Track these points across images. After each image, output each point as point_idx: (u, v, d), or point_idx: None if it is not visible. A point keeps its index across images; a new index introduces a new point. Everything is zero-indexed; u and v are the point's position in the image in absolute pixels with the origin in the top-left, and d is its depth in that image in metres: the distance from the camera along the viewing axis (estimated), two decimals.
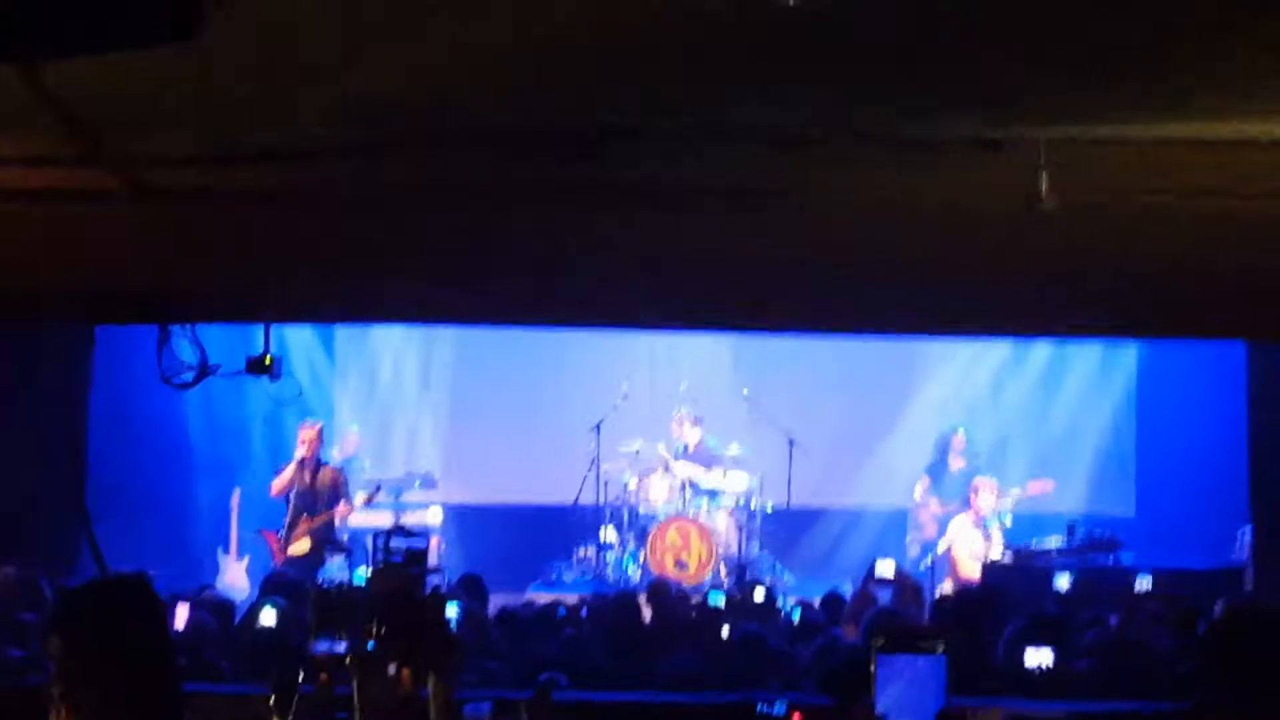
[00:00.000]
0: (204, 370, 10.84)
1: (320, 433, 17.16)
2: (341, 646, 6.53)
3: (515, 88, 6.19)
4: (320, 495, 16.77)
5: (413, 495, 19.02)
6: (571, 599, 13.14)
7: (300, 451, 16.84)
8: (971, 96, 6.19)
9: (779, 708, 7.26)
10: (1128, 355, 20.06)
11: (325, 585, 6.82)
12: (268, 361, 11.58)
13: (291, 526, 16.62)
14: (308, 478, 16.79)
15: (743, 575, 16.74)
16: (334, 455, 18.15)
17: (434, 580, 6.76)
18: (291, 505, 16.74)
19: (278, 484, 16.88)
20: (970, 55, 5.61)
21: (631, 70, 5.98)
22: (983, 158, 6.77)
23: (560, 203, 8.06)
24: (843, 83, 6.04)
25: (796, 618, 12.52)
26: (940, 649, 6.32)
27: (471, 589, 12.01)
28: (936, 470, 19.13)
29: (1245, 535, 15.69)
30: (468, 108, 6.50)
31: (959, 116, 6.50)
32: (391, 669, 6.26)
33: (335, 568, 15.62)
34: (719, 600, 13.05)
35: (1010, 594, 12.88)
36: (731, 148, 6.94)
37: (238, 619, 10.99)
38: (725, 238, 8.57)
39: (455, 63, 5.84)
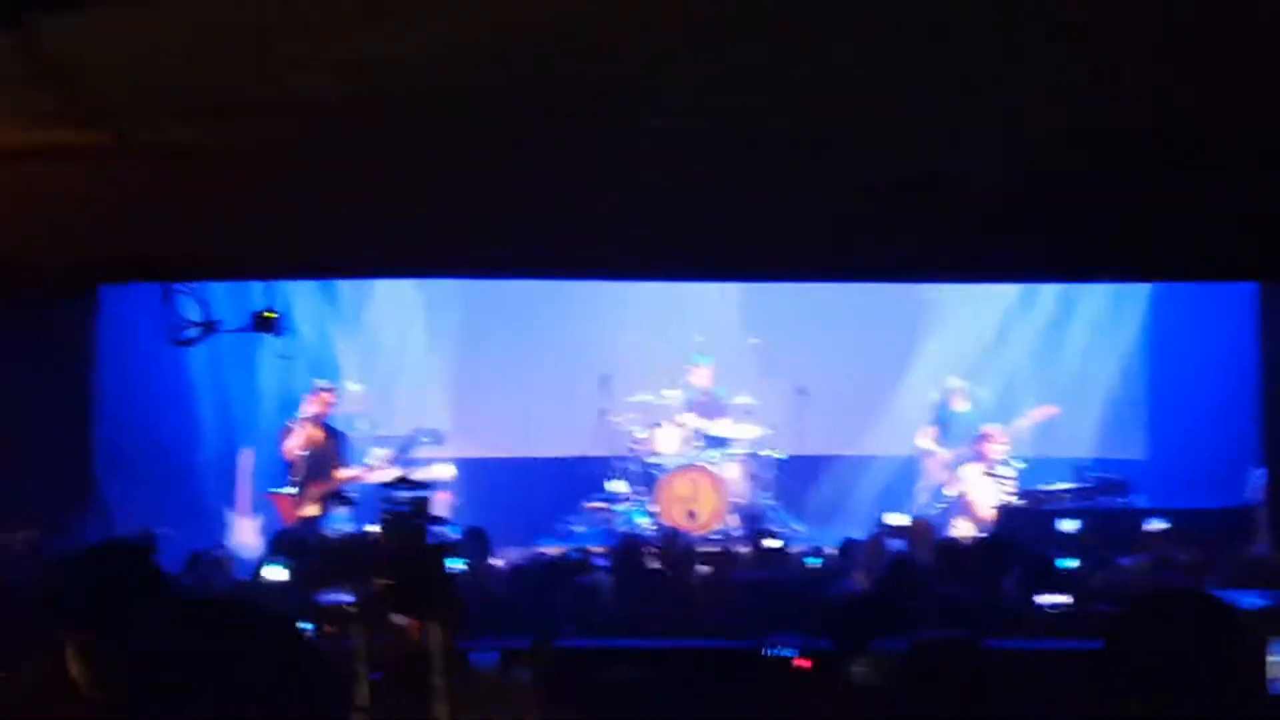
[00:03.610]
0: (208, 327, 10.88)
1: (334, 393, 17.28)
2: (348, 598, 6.59)
3: (507, 48, 6.21)
4: (328, 456, 16.85)
5: (422, 452, 19.06)
6: (582, 550, 13.17)
7: (312, 410, 16.93)
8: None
9: (786, 652, 7.30)
10: (1139, 296, 20.00)
11: (331, 537, 6.88)
12: (271, 317, 11.62)
13: (304, 486, 16.69)
14: (320, 438, 16.87)
15: (754, 524, 16.77)
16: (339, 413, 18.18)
17: (439, 531, 6.78)
18: (304, 465, 16.80)
19: (291, 444, 16.94)
20: None
21: (619, 26, 6.00)
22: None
23: (559, 158, 8.09)
24: (826, 22, 6.05)
25: (813, 565, 12.57)
26: None
27: (476, 541, 12.06)
28: (941, 417, 19.15)
29: (1257, 477, 15.72)
30: (462, 68, 6.52)
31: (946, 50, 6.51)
32: (396, 619, 6.32)
33: (341, 520, 15.67)
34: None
35: (1020, 538, 12.92)
36: (720, 94, 6.96)
37: (246, 577, 11.05)
38: (721, 186, 8.59)
39: (448, 25, 5.87)
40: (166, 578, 4.93)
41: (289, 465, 16.92)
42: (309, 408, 17.03)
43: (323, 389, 17.21)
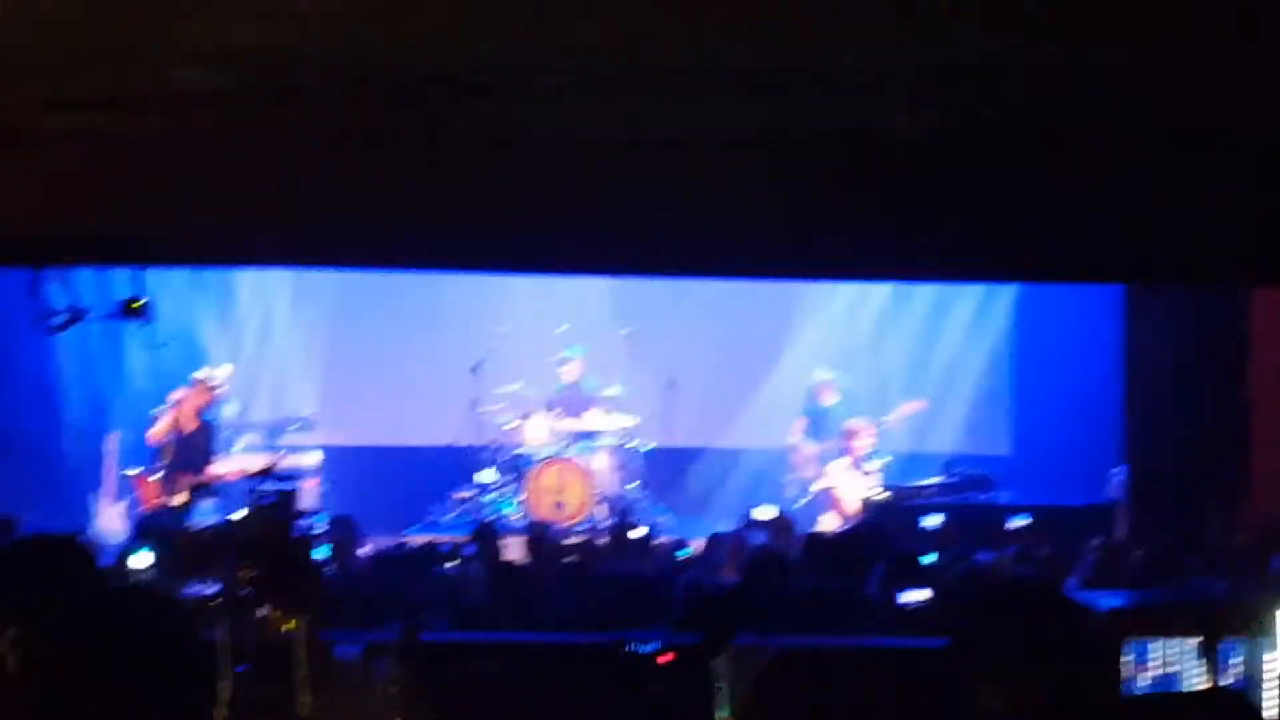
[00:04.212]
0: (76, 314, 10.79)
1: (214, 387, 17.23)
2: (212, 589, 6.58)
3: (383, 37, 6.23)
4: (198, 447, 16.78)
5: (291, 438, 19.00)
6: (448, 540, 13.17)
7: (189, 400, 16.87)
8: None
9: (649, 646, 7.34)
10: (1005, 293, 20.20)
11: (196, 529, 6.87)
12: (139, 305, 11.53)
13: (171, 476, 16.58)
14: (192, 427, 16.80)
15: (622, 516, 16.83)
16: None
17: (305, 523, 6.79)
18: (172, 453, 16.70)
19: (160, 431, 16.83)
20: None
21: (503, 21, 6.03)
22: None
23: (431, 148, 8.10)
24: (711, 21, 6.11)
25: (680, 558, 12.65)
26: None
27: (342, 530, 12.05)
28: (810, 411, 19.26)
29: (1119, 475, 15.94)
30: (331, 57, 6.53)
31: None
32: (261, 611, 6.31)
33: (206, 511, 15.60)
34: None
35: (884, 533, 13.04)
36: (594, 96, 7.00)
37: (109, 563, 10.97)
38: (593, 182, 8.63)
39: (321, 12, 5.88)
40: (96, 568, 4.90)
41: (156, 452, 16.81)
42: (185, 397, 16.96)
43: (202, 380, 17.15)
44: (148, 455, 16.99)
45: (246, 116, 7.62)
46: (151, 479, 16.65)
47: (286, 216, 9.32)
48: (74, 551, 4.77)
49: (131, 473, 17.05)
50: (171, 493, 16.37)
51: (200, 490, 16.14)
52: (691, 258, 10.49)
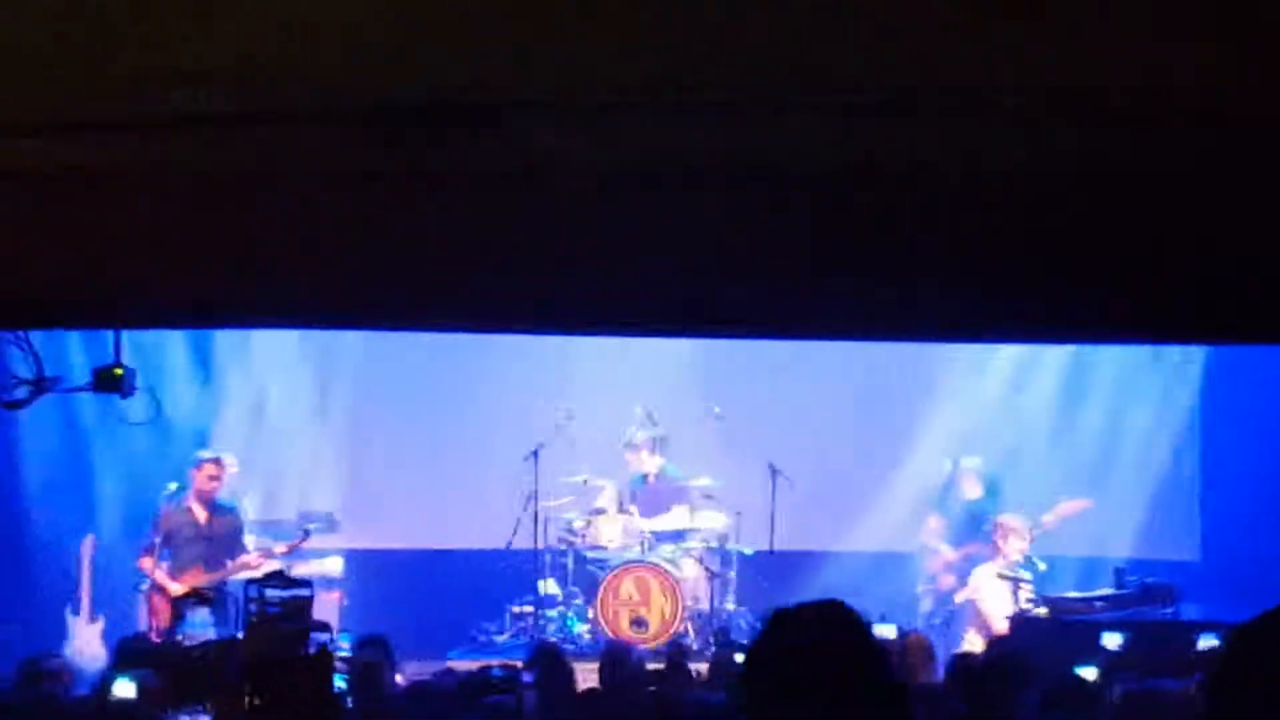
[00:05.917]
0: (40, 385, 10.74)
1: (219, 467, 17.20)
2: (207, 719, 6.50)
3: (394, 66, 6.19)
4: (219, 543, 16.77)
5: (309, 540, 18.89)
6: (501, 665, 13.08)
7: (195, 486, 16.87)
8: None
9: None
10: (1190, 367, 19.89)
11: (187, 646, 6.78)
12: (116, 374, 11.45)
13: (176, 577, 16.57)
14: (203, 519, 16.80)
15: (716, 636, 16.70)
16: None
17: (321, 638, 6.67)
18: (178, 551, 16.69)
19: (166, 527, 16.83)
20: None
21: (532, 43, 5.97)
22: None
23: (460, 187, 8.02)
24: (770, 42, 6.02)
25: None
26: None
27: (372, 652, 11.95)
28: (947, 506, 19.04)
29: None
30: (329, 87, 6.48)
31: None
32: None
33: (202, 624, 15.50)
34: None
35: (1043, 655, 12.86)
36: (672, 119, 6.91)
37: (87, 690, 10.92)
38: (664, 223, 8.51)
39: (308, 35, 5.83)
40: None
41: (167, 551, 16.80)
42: (191, 481, 16.96)
43: (206, 461, 17.13)
44: (131, 561, 17.00)
45: (226, 152, 7.54)
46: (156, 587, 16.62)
47: (278, 266, 9.24)
48: None
49: (151, 592, 16.99)
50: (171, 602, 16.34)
51: (196, 597, 16.06)
52: (781, 315, 10.39)
